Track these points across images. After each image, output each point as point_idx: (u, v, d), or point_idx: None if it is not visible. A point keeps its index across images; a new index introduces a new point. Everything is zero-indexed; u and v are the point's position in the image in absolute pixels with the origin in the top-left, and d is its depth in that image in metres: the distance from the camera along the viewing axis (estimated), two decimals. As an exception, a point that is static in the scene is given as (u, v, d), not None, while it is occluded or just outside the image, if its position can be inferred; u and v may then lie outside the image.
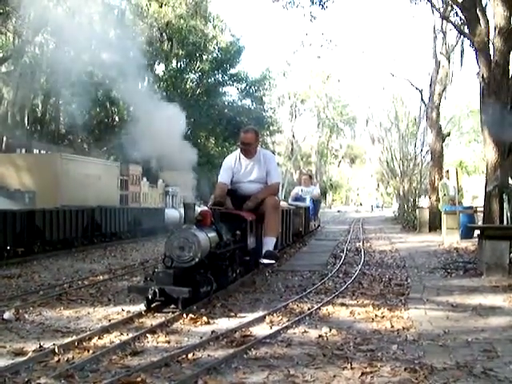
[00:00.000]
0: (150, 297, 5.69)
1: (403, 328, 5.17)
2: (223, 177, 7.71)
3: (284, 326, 5.21)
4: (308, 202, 16.33)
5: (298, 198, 16.40)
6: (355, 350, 4.44)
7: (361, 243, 14.56)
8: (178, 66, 39.39)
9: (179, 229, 6.34)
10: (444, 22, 20.49)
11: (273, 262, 7.66)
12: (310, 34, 45.80)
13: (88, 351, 4.36)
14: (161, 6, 34.33)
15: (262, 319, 5.50)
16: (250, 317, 5.58)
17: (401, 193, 29.91)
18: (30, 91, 30.07)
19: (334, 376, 3.83)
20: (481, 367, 3.95)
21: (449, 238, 14.35)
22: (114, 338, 4.80)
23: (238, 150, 7.98)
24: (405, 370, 3.91)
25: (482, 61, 10.93)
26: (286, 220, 10.82)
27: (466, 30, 12.35)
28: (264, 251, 7.39)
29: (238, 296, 6.76)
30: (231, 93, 43.11)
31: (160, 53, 36.88)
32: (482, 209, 11.89)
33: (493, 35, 10.97)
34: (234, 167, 7.74)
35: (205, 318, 5.45)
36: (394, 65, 68.04)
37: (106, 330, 5.00)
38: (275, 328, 5.14)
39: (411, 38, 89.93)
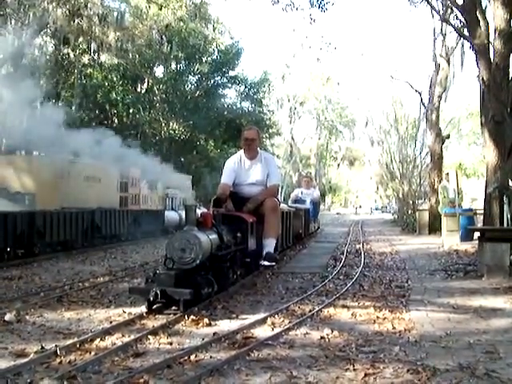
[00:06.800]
0: (151, 298, 5.68)
1: (405, 330, 5.16)
2: (225, 178, 7.76)
3: (286, 327, 5.20)
4: (308, 204, 16.32)
5: (297, 200, 16.39)
6: (357, 352, 4.44)
7: (361, 245, 14.56)
8: (178, 68, 39.38)
9: (180, 230, 6.33)
10: (444, 24, 20.54)
11: (273, 264, 7.69)
12: (310, 37, 46.13)
13: (90, 353, 4.36)
14: (160, 9, 34.28)
15: (263, 321, 5.50)
16: (252, 318, 5.57)
17: (400, 195, 29.90)
18: (30, 93, 30.08)
19: (337, 377, 3.82)
20: (483, 369, 3.94)
21: (449, 240, 14.35)
22: (116, 339, 4.79)
23: (240, 151, 8.03)
24: (407, 371, 3.90)
25: (482, 63, 10.92)
26: (286, 222, 10.82)
27: (466, 33, 12.35)
28: (264, 253, 7.41)
29: (239, 298, 6.76)
30: (230, 95, 43.14)
31: (159, 55, 36.87)
32: (482, 211, 11.88)
33: (493, 37, 10.97)
34: (236, 168, 7.79)
35: (206, 320, 5.44)
36: (394, 67, 68.00)
37: (107, 332, 5.00)
38: (277, 330, 5.13)
39: (411, 41, 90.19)
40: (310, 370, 3.99)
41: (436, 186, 19.91)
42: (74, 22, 29.02)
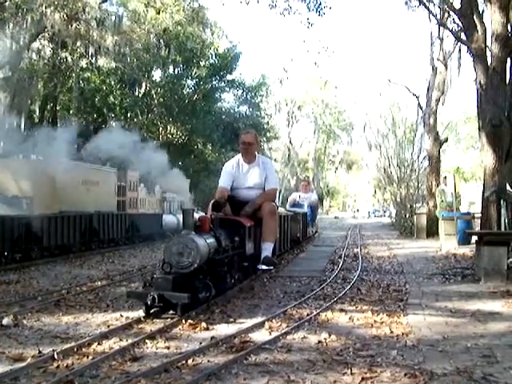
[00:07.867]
0: (148, 303, 5.68)
1: (402, 334, 5.16)
2: (223, 181, 7.77)
3: (283, 331, 5.20)
4: (306, 208, 16.33)
5: (295, 204, 16.40)
6: (355, 356, 4.44)
7: (358, 249, 14.57)
8: (176, 72, 39.36)
9: (178, 235, 6.34)
10: (441, 28, 20.57)
11: (271, 268, 7.69)
12: (307, 41, 46.28)
13: (87, 357, 4.35)
14: (158, 13, 34.26)
15: (261, 325, 5.49)
16: (249, 323, 5.57)
17: (398, 199, 29.88)
18: (28, 97, 30.11)
19: (335, 381, 3.83)
20: (480, 372, 3.95)
21: (446, 244, 14.35)
22: (114, 343, 4.78)
23: (238, 155, 8.03)
24: (405, 375, 3.90)
25: (480, 67, 10.96)
26: (283, 226, 10.82)
27: (464, 37, 12.39)
28: (262, 257, 7.41)
29: (236, 302, 6.75)
30: (228, 99, 43.17)
31: (157, 59, 36.86)
32: (480, 215, 11.89)
33: (490, 42, 11.02)
34: (234, 172, 7.79)
35: (204, 324, 5.43)
36: (391, 71, 68.24)
37: (105, 336, 4.99)
38: (274, 334, 5.13)
39: (408, 45, 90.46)
40: (307, 374, 3.99)
41: (434, 190, 19.91)
42: (71, 26, 29.01)
